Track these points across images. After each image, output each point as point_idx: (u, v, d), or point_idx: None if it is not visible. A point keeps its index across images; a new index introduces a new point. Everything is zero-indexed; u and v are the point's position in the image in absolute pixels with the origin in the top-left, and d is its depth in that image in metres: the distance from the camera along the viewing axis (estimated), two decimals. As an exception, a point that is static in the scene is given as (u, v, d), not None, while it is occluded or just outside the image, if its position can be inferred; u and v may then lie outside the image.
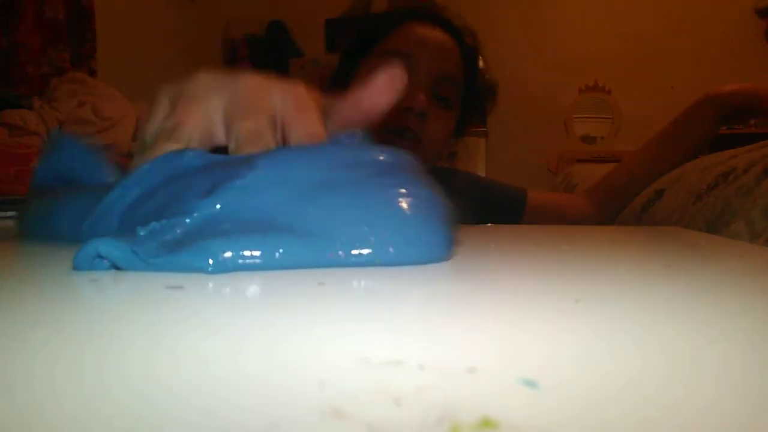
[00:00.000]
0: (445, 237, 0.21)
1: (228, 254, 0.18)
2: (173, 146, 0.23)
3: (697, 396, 0.08)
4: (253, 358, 0.10)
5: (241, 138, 0.23)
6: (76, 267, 0.18)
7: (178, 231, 0.19)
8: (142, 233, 0.19)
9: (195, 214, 0.20)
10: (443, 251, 0.21)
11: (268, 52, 2.35)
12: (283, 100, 0.25)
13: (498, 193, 0.74)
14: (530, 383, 0.08)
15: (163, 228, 0.19)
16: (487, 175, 1.77)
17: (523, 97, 2.32)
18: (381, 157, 0.23)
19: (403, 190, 0.21)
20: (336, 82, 0.69)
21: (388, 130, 0.59)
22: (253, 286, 0.16)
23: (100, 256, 0.18)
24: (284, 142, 0.25)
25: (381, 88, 0.26)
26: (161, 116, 0.25)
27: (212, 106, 0.24)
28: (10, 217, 0.41)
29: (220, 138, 0.25)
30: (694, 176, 0.61)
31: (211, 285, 0.16)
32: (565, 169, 1.44)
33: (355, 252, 0.19)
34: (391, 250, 0.20)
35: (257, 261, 0.18)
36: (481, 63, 0.70)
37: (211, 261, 0.18)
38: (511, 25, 2.43)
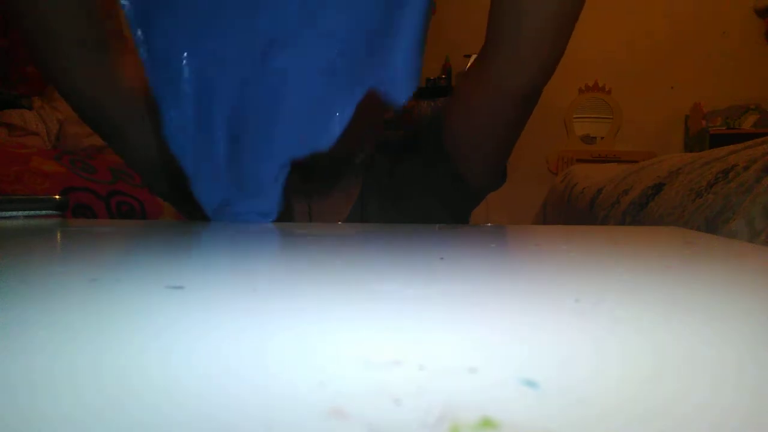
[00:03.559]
0: None
1: None
2: None
3: (697, 396, 0.08)
4: (252, 357, 0.10)
5: None
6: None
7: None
8: None
9: None
10: None
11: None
12: None
13: (421, 127, 0.62)
14: (530, 383, 0.08)
15: None
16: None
17: (523, 97, 2.32)
18: None
19: None
20: None
21: None
22: (252, 285, 0.16)
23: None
24: None
25: None
26: None
27: None
28: (10, 217, 0.41)
29: None
30: (694, 173, 0.61)
31: (211, 285, 0.16)
32: (565, 169, 1.45)
33: None
34: None
35: None
36: None
37: None
38: (511, 24, 2.43)
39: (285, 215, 0.61)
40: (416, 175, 0.62)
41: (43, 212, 0.45)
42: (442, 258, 0.22)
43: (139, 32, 0.36)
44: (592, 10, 0.48)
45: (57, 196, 0.46)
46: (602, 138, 2.68)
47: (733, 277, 0.19)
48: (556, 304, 0.14)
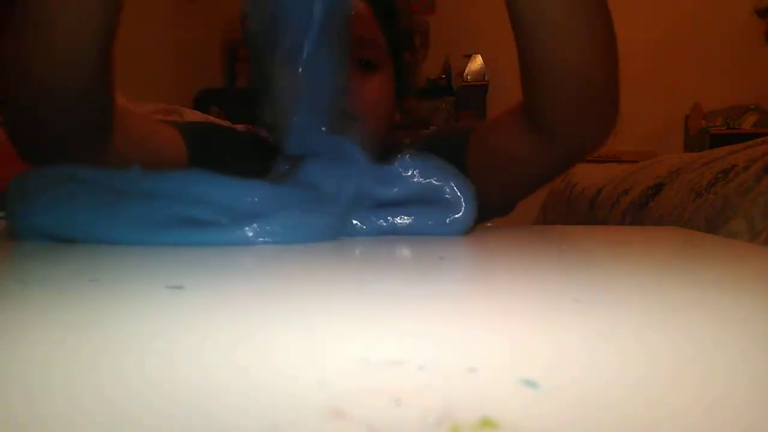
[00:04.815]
0: None
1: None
2: None
3: (697, 395, 0.08)
4: (253, 358, 0.10)
5: None
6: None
7: None
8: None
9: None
10: None
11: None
12: None
13: (440, 138, 0.60)
14: (530, 383, 0.08)
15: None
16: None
17: (523, 97, 2.32)
18: None
19: None
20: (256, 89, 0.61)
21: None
22: (252, 286, 0.16)
23: None
24: None
25: None
26: None
27: None
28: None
29: None
30: (694, 173, 0.61)
31: (211, 285, 0.16)
32: (565, 169, 1.44)
33: None
34: None
35: None
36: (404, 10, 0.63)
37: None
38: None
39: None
40: None
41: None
42: (442, 258, 0.22)
43: None
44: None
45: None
46: (602, 138, 2.67)
47: (733, 277, 0.19)
48: (555, 304, 0.14)
